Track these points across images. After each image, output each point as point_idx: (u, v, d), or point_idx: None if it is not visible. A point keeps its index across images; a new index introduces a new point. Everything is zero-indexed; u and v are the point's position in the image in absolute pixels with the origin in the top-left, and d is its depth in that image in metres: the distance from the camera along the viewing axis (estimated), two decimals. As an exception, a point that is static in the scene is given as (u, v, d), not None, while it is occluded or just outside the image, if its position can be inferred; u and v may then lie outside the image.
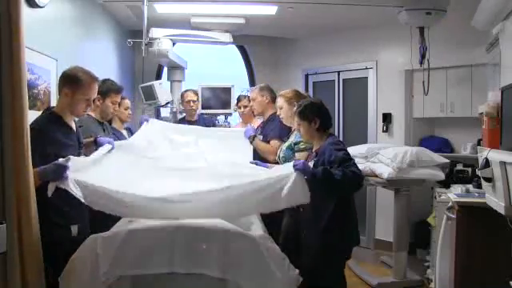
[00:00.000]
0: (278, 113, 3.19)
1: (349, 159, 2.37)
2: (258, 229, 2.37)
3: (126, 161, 2.61)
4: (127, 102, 3.59)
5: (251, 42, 5.89)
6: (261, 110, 3.59)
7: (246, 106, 4.25)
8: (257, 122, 4.32)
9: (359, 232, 2.64)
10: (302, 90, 5.46)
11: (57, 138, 2.21)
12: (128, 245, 2.00)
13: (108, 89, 3.03)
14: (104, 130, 3.07)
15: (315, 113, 2.57)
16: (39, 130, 2.12)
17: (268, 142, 3.37)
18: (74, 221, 2.25)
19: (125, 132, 3.62)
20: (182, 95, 4.43)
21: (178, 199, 2.19)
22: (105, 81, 3.07)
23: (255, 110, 3.68)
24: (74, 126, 2.38)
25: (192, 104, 4.34)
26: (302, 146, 2.95)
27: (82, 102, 2.28)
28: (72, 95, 2.25)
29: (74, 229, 2.24)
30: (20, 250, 1.64)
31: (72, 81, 2.25)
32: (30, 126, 1.92)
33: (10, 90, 1.57)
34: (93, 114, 3.02)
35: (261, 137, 3.49)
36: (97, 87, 2.38)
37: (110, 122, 3.54)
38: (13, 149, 1.61)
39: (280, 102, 3.13)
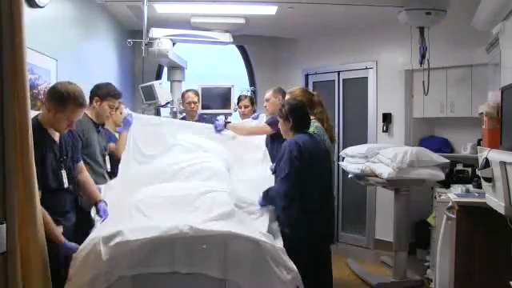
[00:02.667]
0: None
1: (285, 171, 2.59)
2: (263, 228, 2.38)
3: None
4: (122, 107, 3.65)
5: (251, 42, 5.89)
6: (273, 110, 3.62)
7: (246, 106, 4.26)
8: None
9: (328, 230, 2.76)
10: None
11: (39, 148, 2.13)
12: (129, 244, 2.00)
13: (107, 93, 3.04)
14: (98, 132, 3.07)
15: (289, 113, 2.72)
16: None
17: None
18: (59, 222, 2.26)
19: (117, 135, 3.65)
20: (183, 96, 4.42)
21: None
22: (107, 85, 3.10)
23: (268, 110, 3.73)
24: (57, 137, 2.32)
25: (193, 105, 4.34)
26: None
27: (64, 121, 2.23)
28: (54, 113, 2.20)
29: (60, 229, 2.24)
30: (23, 251, 1.64)
31: (57, 100, 2.19)
32: None
33: (11, 90, 1.57)
34: (89, 114, 3.00)
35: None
36: (82, 111, 2.32)
37: (103, 124, 3.56)
38: (14, 148, 1.60)
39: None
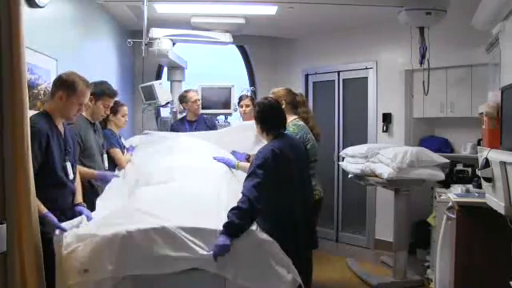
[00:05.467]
0: None
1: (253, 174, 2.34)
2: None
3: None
4: (125, 109, 3.61)
5: (251, 42, 5.89)
6: None
7: (247, 105, 4.26)
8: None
9: (313, 237, 2.67)
10: (301, 89, 5.52)
11: (48, 140, 2.24)
12: (131, 245, 2.00)
13: (102, 92, 3.00)
14: (95, 131, 3.06)
15: (260, 114, 2.60)
16: (38, 129, 2.17)
17: None
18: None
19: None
20: (185, 97, 4.42)
21: None
22: (101, 83, 3.06)
23: None
24: (62, 129, 2.39)
25: (198, 103, 4.39)
26: None
27: (75, 106, 2.35)
28: (66, 99, 2.31)
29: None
30: (20, 250, 1.64)
31: (68, 86, 2.31)
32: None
33: (10, 90, 1.57)
34: (84, 113, 2.95)
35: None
36: (89, 93, 2.45)
37: (105, 125, 3.55)
38: (13, 149, 1.61)
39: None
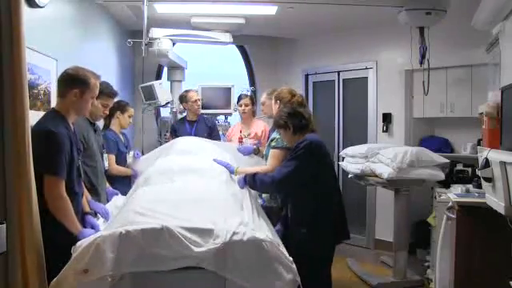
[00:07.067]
0: (261, 108, 3.47)
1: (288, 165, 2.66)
2: (263, 229, 2.37)
3: None
4: (132, 111, 3.65)
5: (251, 42, 5.89)
6: (271, 113, 3.60)
7: (247, 105, 4.27)
8: (255, 122, 4.33)
9: (341, 229, 2.79)
10: (301, 89, 5.52)
11: (71, 143, 2.23)
12: (129, 243, 2.00)
13: (101, 91, 2.89)
14: (95, 131, 3.05)
15: (286, 120, 2.75)
16: (62, 135, 2.15)
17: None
18: None
19: (121, 136, 3.63)
20: (185, 97, 4.43)
21: None
22: (101, 83, 3.00)
23: (266, 113, 3.70)
24: (73, 128, 2.38)
25: (199, 103, 4.40)
26: (273, 143, 2.99)
27: (90, 100, 2.35)
28: (81, 95, 2.28)
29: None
30: (21, 250, 1.64)
31: (82, 82, 2.29)
32: (47, 129, 2.02)
33: (11, 90, 1.57)
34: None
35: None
36: (99, 85, 2.44)
37: (109, 123, 3.55)
38: (13, 149, 1.61)
39: (263, 98, 3.40)
